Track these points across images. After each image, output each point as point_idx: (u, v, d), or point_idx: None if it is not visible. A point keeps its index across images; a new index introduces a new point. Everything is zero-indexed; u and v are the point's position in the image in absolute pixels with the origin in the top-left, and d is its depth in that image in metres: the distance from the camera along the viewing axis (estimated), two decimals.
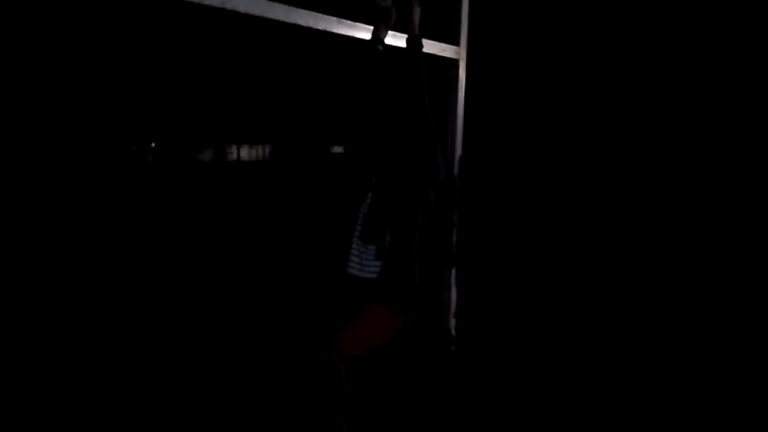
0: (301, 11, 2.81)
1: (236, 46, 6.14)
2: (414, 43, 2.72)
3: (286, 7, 2.76)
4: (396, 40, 3.10)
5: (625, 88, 4.35)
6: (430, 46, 3.39)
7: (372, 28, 2.88)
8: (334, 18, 3.00)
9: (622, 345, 3.70)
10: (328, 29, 2.98)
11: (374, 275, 2.42)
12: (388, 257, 2.38)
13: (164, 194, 8.15)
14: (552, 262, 4.45)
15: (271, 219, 5.88)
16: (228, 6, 2.60)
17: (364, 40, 3.02)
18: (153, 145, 11.01)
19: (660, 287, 3.87)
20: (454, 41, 3.82)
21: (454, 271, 3.44)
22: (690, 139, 4.14)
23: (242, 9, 2.65)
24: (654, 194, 4.19)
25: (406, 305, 2.43)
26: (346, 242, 2.56)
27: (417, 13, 2.76)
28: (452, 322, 3.54)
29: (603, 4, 4.46)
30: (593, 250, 4.43)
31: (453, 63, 3.79)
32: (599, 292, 4.10)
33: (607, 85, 4.47)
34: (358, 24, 3.05)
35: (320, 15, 2.93)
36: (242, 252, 5.03)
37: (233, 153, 11.21)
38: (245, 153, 11.15)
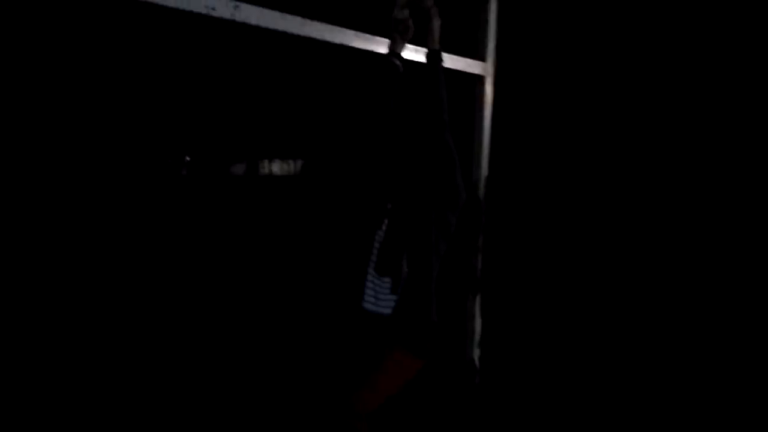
0: (316, 23, 2.67)
1: (264, 61, 6.08)
2: (433, 57, 2.53)
3: (299, 19, 2.62)
4: (415, 54, 2.93)
5: (681, 110, 4.08)
6: (454, 62, 3.20)
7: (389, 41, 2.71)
8: (351, 31, 2.85)
9: (663, 385, 3.43)
10: (344, 43, 2.83)
11: (389, 310, 2.27)
12: (404, 291, 2.21)
13: (197, 207, 8.17)
14: (585, 289, 4.20)
15: (290, 241, 5.78)
16: (238, 18, 2.48)
17: (380, 54, 2.86)
18: (187, 158, 11.13)
19: (709, 322, 3.60)
20: (480, 56, 3.64)
21: (478, 299, 3.22)
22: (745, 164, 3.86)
23: (253, 21, 2.52)
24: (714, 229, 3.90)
25: (424, 346, 2.22)
26: (360, 274, 2.40)
27: (436, 25, 2.57)
28: (476, 352, 3.32)
29: (652, 13, 4.20)
30: (632, 278, 4.18)
31: (479, 80, 3.61)
32: (639, 323, 3.84)
33: (657, 105, 4.20)
34: (376, 38, 2.89)
35: (336, 28, 2.79)
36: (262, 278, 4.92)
37: (265, 167, 11.22)
38: (277, 167, 11.15)
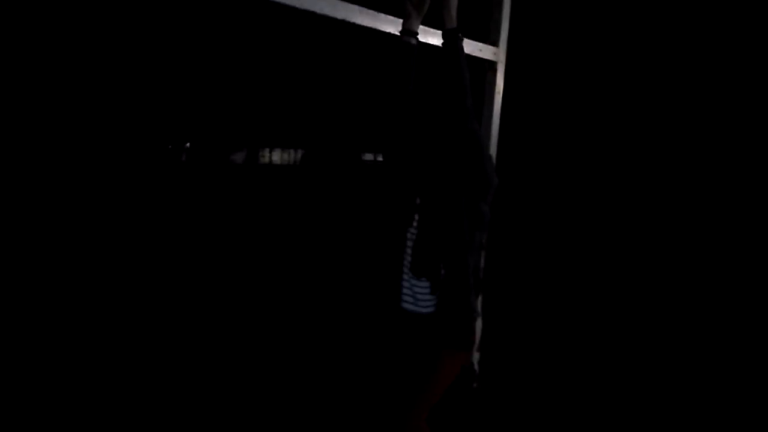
0: None
1: (267, 44, 5.89)
2: (451, 37, 2.22)
3: None
4: (428, 36, 2.71)
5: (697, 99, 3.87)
6: (464, 45, 2.97)
7: (401, 20, 2.45)
8: (356, 7, 2.63)
9: (665, 396, 3.25)
10: (347, 19, 2.62)
11: (430, 309, 2.20)
12: (444, 291, 2.13)
13: (197, 193, 8.04)
14: (592, 289, 4.01)
15: (306, 237, 5.60)
16: None
17: (389, 33, 2.64)
18: (188, 145, 10.96)
19: (715, 327, 3.42)
20: (492, 41, 3.41)
21: (480, 299, 3.01)
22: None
23: None
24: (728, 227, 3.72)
25: (470, 338, 2.25)
26: (395, 273, 2.27)
27: (454, 0, 2.28)
28: (476, 356, 3.11)
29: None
30: (640, 277, 3.99)
31: (490, 66, 3.38)
32: (644, 328, 3.65)
33: (674, 96, 3.98)
34: (382, 15, 2.67)
35: (339, 2, 2.56)
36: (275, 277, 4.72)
37: (266, 156, 11.03)
38: (277, 157, 10.95)
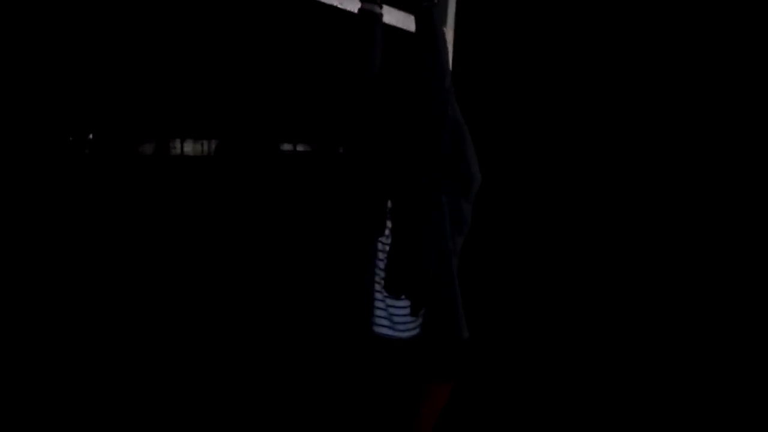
0: None
1: (184, 17, 5.50)
2: (426, 12, 1.88)
3: None
4: (391, 16, 2.45)
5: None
6: (406, 22, 2.73)
7: None
8: None
9: (647, 393, 3.23)
10: None
11: (411, 333, 1.76)
12: (428, 311, 1.72)
13: (101, 188, 7.52)
14: (580, 286, 3.97)
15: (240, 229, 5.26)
16: None
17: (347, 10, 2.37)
18: (91, 136, 10.30)
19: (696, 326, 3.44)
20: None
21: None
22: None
23: None
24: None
25: (455, 368, 1.81)
26: (362, 290, 1.85)
27: None
28: None
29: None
30: (630, 281, 3.96)
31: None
32: (629, 331, 3.64)
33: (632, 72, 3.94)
34: None
35: None
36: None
37: (177, 147, 10.54)
38: (189, 148, 10.49)
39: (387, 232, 1.70)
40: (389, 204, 1.72)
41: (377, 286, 1.68)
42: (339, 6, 2.02)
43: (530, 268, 4.34)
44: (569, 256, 4.28)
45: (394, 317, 1.69)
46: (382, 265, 1.68)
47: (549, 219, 4.48)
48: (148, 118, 9.24)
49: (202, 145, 10.86)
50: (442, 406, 1.81)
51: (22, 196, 5.87)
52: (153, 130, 10.45)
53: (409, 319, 1.71)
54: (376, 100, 1.77)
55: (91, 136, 10.38)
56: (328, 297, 3.77)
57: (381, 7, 1.78)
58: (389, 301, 1.69)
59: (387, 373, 1.75)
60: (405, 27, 2.20)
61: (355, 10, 1.84)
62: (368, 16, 1.79)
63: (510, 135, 4.55)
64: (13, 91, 6.45)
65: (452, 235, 1.69)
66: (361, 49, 1.81)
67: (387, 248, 1.70)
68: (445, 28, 2.68)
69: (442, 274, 1.67)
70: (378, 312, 1.70)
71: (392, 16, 2.31)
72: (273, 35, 5.39)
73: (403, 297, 1.69)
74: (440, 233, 1.67)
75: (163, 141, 10.72)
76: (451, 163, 1.69)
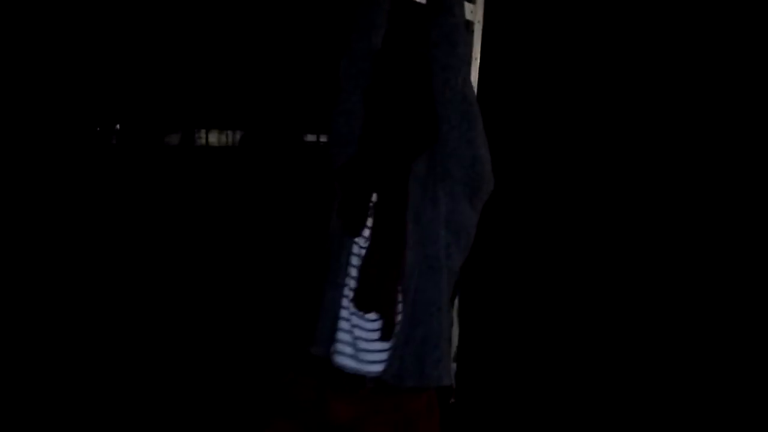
0: None
1: (201, 18, 5.53)
2: None
3: None
4: None
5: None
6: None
7: None
8: None
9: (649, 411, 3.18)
10: None
11: (376, 369, 1.12)
12: (405, 337, 1.15)
13: (128, 177, 7.59)
14: (576, 289, 3.91)
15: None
16: None
17: None
18: (118, 126, 10.42)
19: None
20: None
21: (457, 302, 2.50)
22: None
23: None
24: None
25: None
26: (321, 305, 1.23)
27: None
28: (452, 368, 2.67)
29: None
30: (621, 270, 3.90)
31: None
32: (632, 330, 3.58)
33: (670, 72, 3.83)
34: None
35: None
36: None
37: (202, 137, 10.61)
38: (214, 138, 10.55)
39: (368, 233, 1.27)
40: (374, 198, 1.33)
41: (344, 301, 1.26)
42: None
43: (531, 268, 4.29)
44: (571, 258, 4.23)
45: (358, 342, 1.26)
46: (354, 272, 1.28)
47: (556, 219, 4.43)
48: (173, 109, 9.32)
49: (226, 135, 10.92)
50: None
51: (50, 185, 5.95)
52: (178, 121, 10.55)
53: (377, 346, 1.14)
54: (378, 82, 1.33)
55: (118, 126, 10.53)
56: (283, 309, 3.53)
57: None
58: (356, 320, 1.25)
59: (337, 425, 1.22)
60: None
61: None
62: None
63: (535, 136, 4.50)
64: (42, 82, 6.55)
65: (447, 244, 1.29)
66: (366, 23, 1.42)
67: (364, 252, 1.29)
68: (473, 6, 2.52)
69: (426, 289, 1.27)
70: (341, 336, 1.27)
71: None
72: (297, 28, 5.39)
73: (373, 316, 1.19)
74: (430, 235, 1.27)
75: (189, 131, 10.82)
76: (455, 153, 1.35)
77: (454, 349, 2.74)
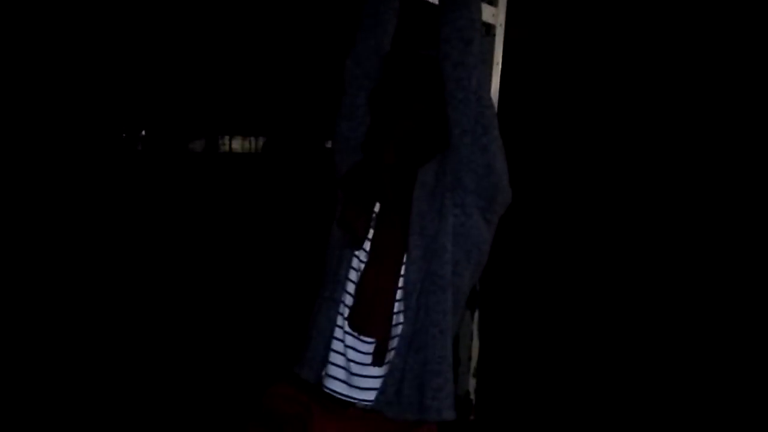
0: None
1: (226, 28, 5.60)
2: None
3: None
4: None
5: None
6: None
7: None
8: None
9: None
10: None
11: (371, 395, 1.14)
12: (403, 361, 1.16)
13: (153, 183, 7.68)
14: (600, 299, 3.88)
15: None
16: None
17: None
18: (143, 133, 10.57)
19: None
20: None
21: (477, 315, 2.44)
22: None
23: None
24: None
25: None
26: (314, 323, 1.12)
27: None
28: (472, 383, 2.60)
29: None
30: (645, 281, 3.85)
31: (486, 30, 2.94)
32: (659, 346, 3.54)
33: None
34: None
35: None
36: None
37: (225, 144, 10.71)
38: (237, 144, 10.64)
39: (369, 246, 1.19)
40: (377, 209, 1.22)
41: (339, 319, 1.16)
42: None
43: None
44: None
45: (351, 365, 1.16)
46: (352, 288, 1.18)
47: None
48: (197, 115, 9.43)
49: (249, 142, 11.01)
50: None
51: (77, 190, 6.04)
52: (202, 128, 10.66)
53: (371, 371, 1.15)
54: (385, 72, 1.27)
55: (143, 132, 10.68)
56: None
57: None
58: (350, 341, 1.15)
59: None
60: None
61: None
62: None
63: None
64: (69, 88, 6.66)
65: (455, 260, 1.18)
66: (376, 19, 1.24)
67: (362, 267, 1.19)
68: (495, 9, 2.46)
69: (429, 309, 1.15)
70: (333, 357, 1.17)
71: None
72: (320, 35, 5.42)
73: (368, 343, 1.15)
74: (435, 250, 1.17)
75: (212, 138, 10.92)
76: (467, 160, 1.19)
77: (473, 363, 2.67)
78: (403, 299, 1.12)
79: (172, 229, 5.33)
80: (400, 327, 1.12)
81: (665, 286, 3.94)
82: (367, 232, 1.17)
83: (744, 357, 3.40)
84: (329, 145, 7.81)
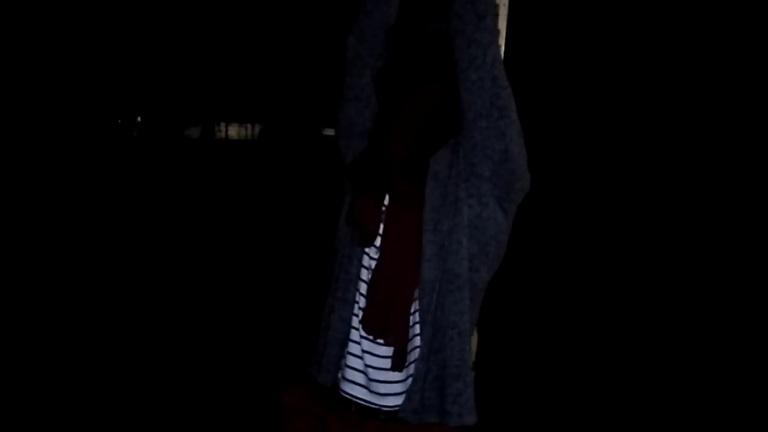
0: None
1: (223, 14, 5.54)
2: None
3: None
4: None
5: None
6: None
7: None
8: None
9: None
10: None
11: (391, 403, 1.09)
12: (425, 365, 1.11)
13: (149, 170, 7.62)
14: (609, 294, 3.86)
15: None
16: None
17: None
18: (139, 119, 10.49)
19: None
20: None
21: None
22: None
23: None
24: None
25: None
26: (327, 324, 1.06)
27: None
28: (470, 376, 2.59)
29: None
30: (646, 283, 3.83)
31: None
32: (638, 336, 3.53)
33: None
34: None
35: None
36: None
37: (221, 131, 10.65)
38: (233, 131, 10.58)
39: (379, 243, 1.13)
40: (386, 202, 1.13)
41: (355, 320, 1.11)
42: None
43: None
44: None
45: (369, 371, 1.11)
46: (364, 288, 1.10)
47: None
48: (193, 102, 9.37)
49: (246, 128, 10.96)
50: None
51: (72, 176, 6.00)
52: (199, 114, 10.60)
53: (391, 376, 1.11)
54: (393, 50, 1.21)
55: (139, 119, 10.60)
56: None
57: None
58: (367, 345, 1.09)
59: None
60: None
61: None
62: None
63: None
64: (64, 75, 6.60)
65: (471, 255, 1.11)
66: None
67: (374, 266, 1.13)
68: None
69: (445, 310, 1.10)
70: (351, 361, 1.11)
71: None
72: (315, 21, 5.37)
73: (383, 341, 1.09)
74: (451, 246, 1.11)
75: (209, 124, 10.86)
76: (482, 146, 1.10)
77: (472, 357, 2.54)
78: (420, 300, 1.07)
79: (167, 217, 5.29)
80: (417, 328, 1.08)
81: (664, 284, 3.93)
82: (378, 228, 1.09)
83: (744, 357, 3.40)
84: (326, 132, 7.75)
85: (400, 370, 1.07)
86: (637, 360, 3.51)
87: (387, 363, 1.06)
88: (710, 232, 4.04)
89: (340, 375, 1.08)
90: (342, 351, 1.09)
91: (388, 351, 1.07)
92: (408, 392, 1.05)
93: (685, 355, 3.54)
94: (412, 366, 1.07)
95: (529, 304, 4.19)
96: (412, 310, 1.08)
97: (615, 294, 4.12)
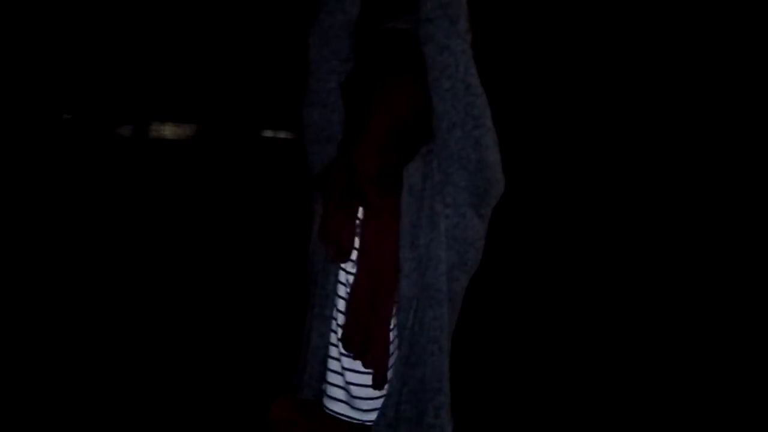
0: None
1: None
2: None
3: None
4: None
5: None
6: None
7: None
8: None
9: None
10: None
11: (372, 417, 1.07)
12: (401, 380, 1.05)
13: (75, 169, 7.30)
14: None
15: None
16: None
17: None
18: (66, 116, 9.97)
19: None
20: None
21: None
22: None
23: None
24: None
25: None
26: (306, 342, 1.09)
27: None
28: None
29: None
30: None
31: None
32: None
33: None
34: None
35: None
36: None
37: (156, 130, 10.21)
38: (169, 131, 10.16)
39: (355, 257, 1.09)
40: (360, 215, 1.10)
41: (333, 337, 1.09)
42: None
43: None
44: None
45: (351, 387, 1.07)
46: (342, 305, 1.09)
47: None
48: (126, 99, 8.98)
49: (182, 128, 10.55)
50: None
51: None
52: (131, 112, 10.17)
53: (371, 393, 1.07)
54: (360, 55, 1.14)
55: (66, 116, 10.08)
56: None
57: None
58: (347, 362, 1.07)
59: None
60: None
61: None
62: None
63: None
64: None
65: (450, 266, 1.07)
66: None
67: (352, 281, 1.09)
68: None
69: (425, 324, 1.05)
70: (332, 378, 1.08)
71: None
72: (256, 16, 5.21)
73: (364, 367, 1.07)
74: (430, 261, 1.05)
75: (142, 123, 10.41)
76: (457, 156, 1.05)
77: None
78: (398, 316, 1.04)
79: (94, 219, 5.10)
80: (395, 344, 1.06)
81: (661, 284, 4.00)
82: (353, 243, 1.07)
83: (743, 358, 3.45)
84: (266, 134, 7.55)
85: (381, 389, 1.06)
86: (631, 361, 3.52)
87: (368, 379, 1.06)
88: (707, 232, 4.15)
89: (322, 389, 1.09)
90: (323, 367, 1.09)
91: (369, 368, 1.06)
92: (382, 407, 1.05)
93: (683, 356, 3.56)
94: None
95: (516, 304, 4.15)
96: (390, 326, 1.07)
97: (607, 294, 4.12)
